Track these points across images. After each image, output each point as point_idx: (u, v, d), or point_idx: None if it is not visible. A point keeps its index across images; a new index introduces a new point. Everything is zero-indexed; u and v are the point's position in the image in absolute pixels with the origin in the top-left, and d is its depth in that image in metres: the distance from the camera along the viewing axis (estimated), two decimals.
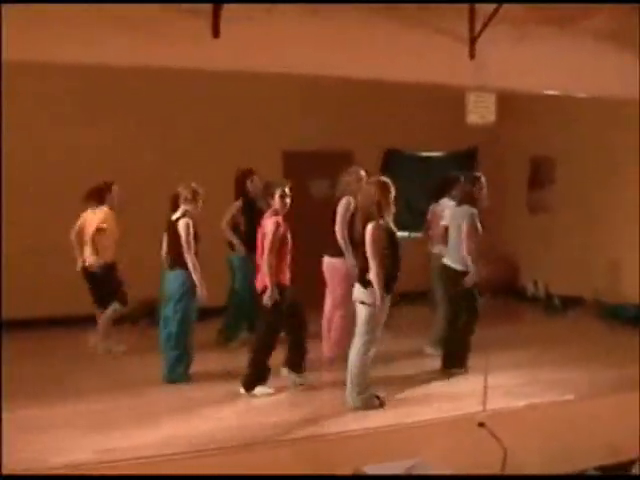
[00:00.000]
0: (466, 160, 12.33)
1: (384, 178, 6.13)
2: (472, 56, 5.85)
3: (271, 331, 6.64)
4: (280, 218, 6.58)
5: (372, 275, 5.95)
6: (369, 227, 5.96)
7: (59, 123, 9.13)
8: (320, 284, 7.59)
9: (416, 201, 11.51)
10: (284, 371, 6.90)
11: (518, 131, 11.42)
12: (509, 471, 5.85)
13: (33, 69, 7.16)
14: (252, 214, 7.93)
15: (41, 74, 7.91)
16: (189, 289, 6.86)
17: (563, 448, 6.17)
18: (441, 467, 5.50)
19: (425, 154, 12.08)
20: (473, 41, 5.81)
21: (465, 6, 5.71)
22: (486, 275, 10.95)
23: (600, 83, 6.43)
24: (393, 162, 11.86)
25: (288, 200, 6.66)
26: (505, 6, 5.71)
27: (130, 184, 8.77)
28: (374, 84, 7.28)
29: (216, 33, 5.05)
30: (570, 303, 10.66)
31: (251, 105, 10.26)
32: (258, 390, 6.60)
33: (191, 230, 6.88)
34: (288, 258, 6.65)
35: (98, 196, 7.81)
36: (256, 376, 6.62)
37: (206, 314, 7.52)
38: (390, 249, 6.03)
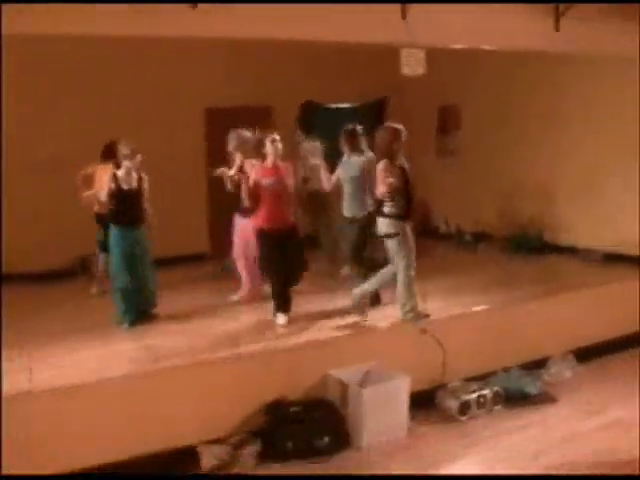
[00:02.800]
0: (377, 110, 13.65)
1: (395, 124, 7.46)
2: (404, 17, 7.10)
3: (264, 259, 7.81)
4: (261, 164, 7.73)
5: (386, 204, 7.32)
6: (380, 165, 7.30)
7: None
8: None
9: (330, 150, 12.73)
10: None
11: (426, 81, 12.74)
12: (448, 369, 7.28)
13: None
14: None
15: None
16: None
17: (492, 349, 7.66)
18: (393, 367, 6.88)
19: (338, 105, 13.31)
20: (404, 3, 7.05)
21: None
22: None
23: (509, 38, 7.81)
24: (309, 114, 13.04)
25: (279, 145, 7.63)
26: None
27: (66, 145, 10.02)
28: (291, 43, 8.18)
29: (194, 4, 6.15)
30: (479, 238, 12.21)
31: (178, 66, 11.33)
32: (279, 317, 7.65)
33: (109, 186, 7.76)
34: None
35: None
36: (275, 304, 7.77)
37: None
38: (402, 184, 7.30)
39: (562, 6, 7.89)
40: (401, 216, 7.35)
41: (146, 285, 7.86)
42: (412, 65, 7.24)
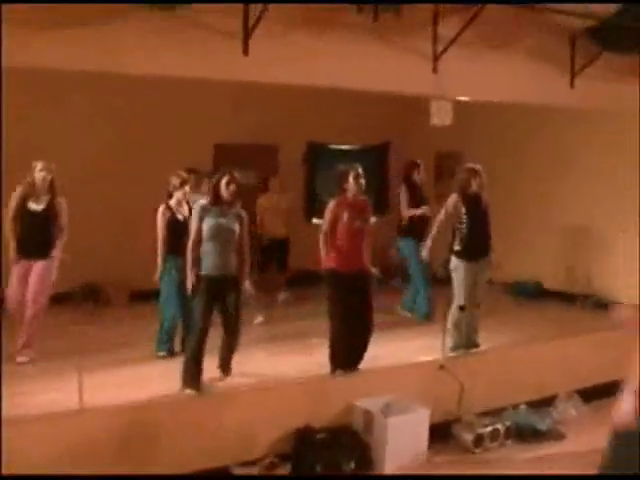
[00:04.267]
0: (379, 153, 14.43)
1: (473, 165, 8.33)
2: (435, 71, 7.82)
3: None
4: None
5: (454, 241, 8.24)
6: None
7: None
8: None
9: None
10: None
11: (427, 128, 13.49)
12: (462, 404, 7.90)
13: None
14: None
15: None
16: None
17: (502, 386, 8.30)
18: (413, 400, 7.51)
19: (343, 147, 14.06)
20: (436, 59, 7.75)
21: (430, 32, 7.70)
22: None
23: (527, 93, 8.55)
24: (314, 154, 13.78)
25: (362, 180, 7.54)
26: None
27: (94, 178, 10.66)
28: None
29: (246, 52, 6.79)
30: None
31: (189, 105, 12.12)
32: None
33: (164, 217, 8.36)
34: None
35: None
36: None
37: None
38: (469, 220, 8.14)
39: (577, 65, 8.69)
40: (458, 254, 8.29)
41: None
42: (441, 116, 7.99)
